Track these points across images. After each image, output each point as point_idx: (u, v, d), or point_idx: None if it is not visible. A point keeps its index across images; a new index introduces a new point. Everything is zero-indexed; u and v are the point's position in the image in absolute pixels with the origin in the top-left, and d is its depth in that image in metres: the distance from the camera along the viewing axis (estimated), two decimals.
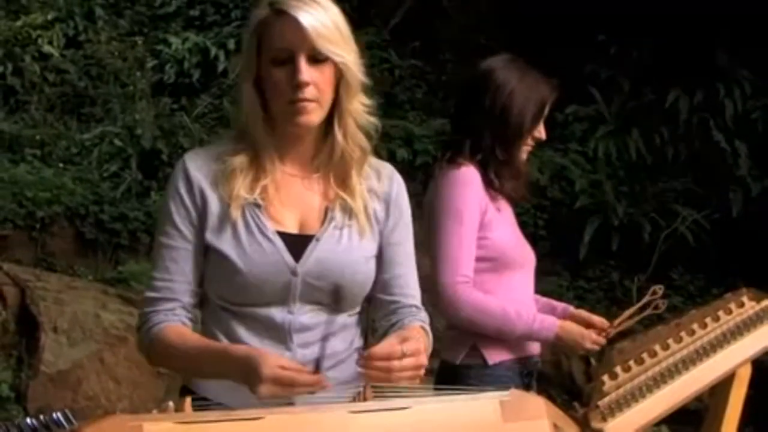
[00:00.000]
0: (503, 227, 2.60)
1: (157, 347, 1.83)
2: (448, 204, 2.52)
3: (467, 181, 2.54)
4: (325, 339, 1.88)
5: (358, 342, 1.97)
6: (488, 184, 2.57)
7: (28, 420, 1.34)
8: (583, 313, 2.67)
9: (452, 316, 2.51)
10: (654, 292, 2.59)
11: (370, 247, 1.92)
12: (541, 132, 2.66)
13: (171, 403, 1.44)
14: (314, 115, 1.83)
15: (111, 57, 7.34)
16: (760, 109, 6.50)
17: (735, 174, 6.30)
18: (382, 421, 1.41)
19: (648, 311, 2.59)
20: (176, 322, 1.86)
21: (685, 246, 6.15)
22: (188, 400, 1.45)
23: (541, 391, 1.74)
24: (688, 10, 6.26)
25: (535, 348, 2.64)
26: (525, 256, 2.68)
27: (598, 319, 2.62)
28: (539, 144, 2.73)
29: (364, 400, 1.48)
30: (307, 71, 1.78)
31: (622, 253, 6.21)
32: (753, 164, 6.34)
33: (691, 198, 6.37)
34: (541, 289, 2.83)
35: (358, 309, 1.96)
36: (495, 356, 2.54)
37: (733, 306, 2.31)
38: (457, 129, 2.66)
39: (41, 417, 1.33)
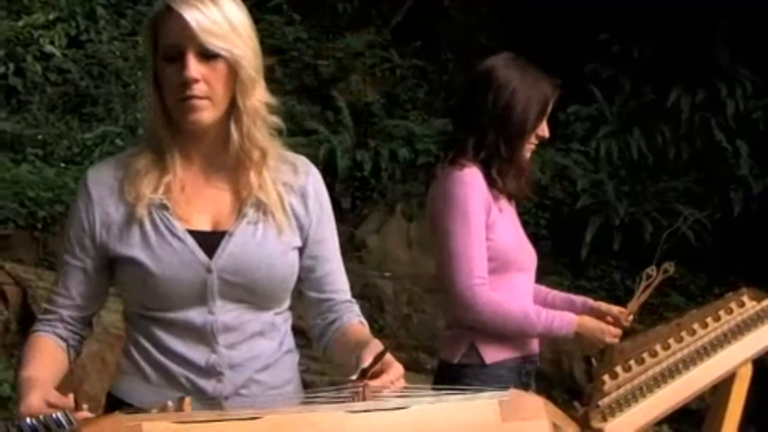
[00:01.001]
0: (506, 228, 2.60)
1: (22, 352, 1.84)
2: (455, 206, 2.52)
3: (471, 182, 2.53)
4: (252, 339, 1.87)
5: (288, 344, 1.96)
6: (491, 183, 2.57)
7: (28, 420, 1.34)
8: (603, 306, 2.66)
9: (472, 319, 2.50)
10: (665, 270, 2.58)
11: (289, 241, 1.89)
12: (544, 131, 2.66)
13: (170, 403, 1.44)
14: (206, 113, 1.79)
15: (112, 56, 7.33)
16: (762, 109, 6.52)
17: (736, 173, 6.32)
18: (380, 421, 1.40)
19: (659, 279, 2.57)
20: (49, 333, 1.86)
21: (687, 245, 6.16)
22: (188, 399, 1.45)
23: (541, 391, 1.74)
24: (689, 9, 6.27)
25: (533, 347, 2.64)
26: (527, 256, 2.67)
27: (617, 310, 2.62)
28: (541, 143, 2.73)
29: (363, 400, 1.48)
30: (195, 68, 1.75)
31: (624, 253, 6.22)
32: (754, 163, 6.35)
33: (693, 197, 6.39)
34: None
35: (285, 306, 1.94)
36: (493, 355, 2.54)
37: (733, 305, 2.31)
38: (460, 128, 2.66)
39: (41, 417, 1.33)
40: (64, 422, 1.32)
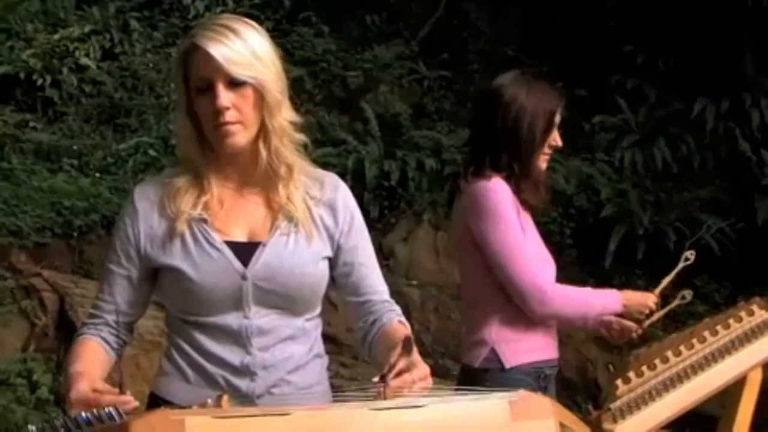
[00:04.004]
0: (530, 237, 2.70)
1: (69, 353, 1.98)
2: (491, 215, 2.61)
3: (500, 190, 2.63)
4: (283, 342, 1.99)
5: (317, 349, 2.08)
6: (515, 196, 2.68)
7: (83, 414, 1.48)
8: (627, 293, 2.79)
9: (548, 314, 2.64)
10: (683, 297, 2.70)
11: (319, 250, 2.01)
12: (556, 140, 2.74)
13: (210, 400, 1.57)
14: (239, 137, 1.93)
15: (146, 68, 7.45)
16: None
17: (761, 183, 6.32)
18: (400, 418, 1.50)
19: (678, 268, 2.71)
20: (95, 336, 2.00)
21: (711, 255, 6.16)
22: (226, 396, 1.57)
23: (565, 398, 1.82)
24: (714, 20, 6.30)
25: (552, 352, 2.73)
26: (548, 266, 2.76)
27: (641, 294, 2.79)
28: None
29: (384, 398, 1.59)
30: (225, 96, 1.89)
31: (648, 262, 6.23)
32: None
33: (717, 207, 6.38)
34: None
35: (315, 313, 2.06)
36: (512, 360, 2.63)
37: (743, 314, 2.39)
38: (476, 146, 2.77)
39: (95, 411, 1.47)
40: (115, 416, 1.45)
